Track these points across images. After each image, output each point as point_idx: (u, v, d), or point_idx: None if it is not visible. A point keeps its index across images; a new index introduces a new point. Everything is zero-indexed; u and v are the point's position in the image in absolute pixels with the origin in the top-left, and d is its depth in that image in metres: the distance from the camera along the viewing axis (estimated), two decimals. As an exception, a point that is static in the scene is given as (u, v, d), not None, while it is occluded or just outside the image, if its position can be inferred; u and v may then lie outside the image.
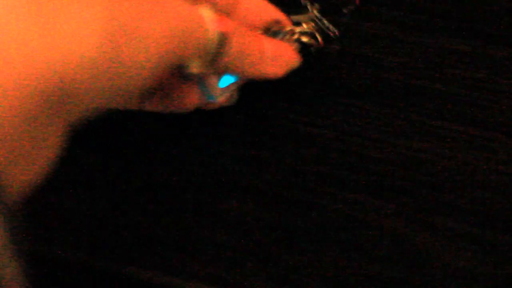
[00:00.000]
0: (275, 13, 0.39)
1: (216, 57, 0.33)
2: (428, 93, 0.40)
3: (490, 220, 0.35)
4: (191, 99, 0.37)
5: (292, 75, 0.38)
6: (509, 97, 0.40)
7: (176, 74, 0.36)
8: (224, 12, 0.35)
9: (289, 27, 0.38)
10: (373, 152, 0.38)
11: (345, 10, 0.41)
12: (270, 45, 0.36)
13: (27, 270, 0.25)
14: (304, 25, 0.39)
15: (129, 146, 0.38)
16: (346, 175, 0.37)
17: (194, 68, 0.32)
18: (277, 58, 0.36)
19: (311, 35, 0.39)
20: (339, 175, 0.37)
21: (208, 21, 0.32)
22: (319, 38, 0.40)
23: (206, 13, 0.32)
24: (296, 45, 0.39)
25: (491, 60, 0.41)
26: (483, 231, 0.34)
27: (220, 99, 0.36)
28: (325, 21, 0.40)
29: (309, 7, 0.40)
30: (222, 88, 0.36)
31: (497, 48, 0.42)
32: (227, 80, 0.36)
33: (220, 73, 0.36)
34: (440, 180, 0.36)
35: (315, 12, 0.40)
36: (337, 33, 0.40)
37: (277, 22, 0.39)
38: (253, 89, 0.39)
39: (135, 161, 0.38)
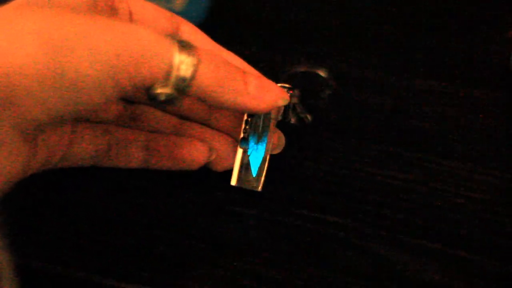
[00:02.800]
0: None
1: (184, 83, 0.32)
2: (404, 127, 0.43)
3: (460, 240, 0.37)
4: (198, 156, 0.38)
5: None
6: (476, 131, 0.42)
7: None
8: None
9: None
10: (355, 181, 0.40)
11: (322, 95, 0.42)
12: (255, 79, 0.35)
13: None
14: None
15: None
16: (330, 202, 0.39)
17: (158, 89, 0.32)
18: (262, 92, 0.35)
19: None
20: (324, 202, 0.39)
21: (173, 47, 0.32)
22: (292, 119, 0.40)
23: (174, 42, 0.32)
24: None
25: (462, 98, 0.44)
26: (454, 250, 0.37)
27: (262, 182, 0.37)
28: (301, 107, 0.40)
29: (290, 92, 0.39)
30: (256, 176, 0.36)
31: (468, 88, 0.45)
32: (255, 166, 0.36)
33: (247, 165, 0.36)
34: (414, 204, 0.39)
35: (294, 97, 0.40)
36: (310, 120, 0.41)
37: None
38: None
39: (132, 182, 0.40)
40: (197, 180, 0.40)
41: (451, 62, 0.46)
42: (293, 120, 0.40)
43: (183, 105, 0.38)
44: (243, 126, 0.37)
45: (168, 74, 0.32)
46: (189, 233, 0.38)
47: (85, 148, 0.38)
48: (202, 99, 0.34)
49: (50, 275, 0.36)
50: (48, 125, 0.32)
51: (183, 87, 0.32)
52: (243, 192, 0.38)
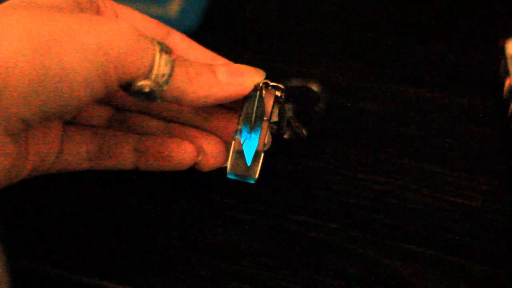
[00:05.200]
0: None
1: (163, 78, 0.33)
2: (395, 135, 0.43)
3: (452, 246, 0.37)
4: (186, 156, 0.38)
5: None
6: (467, 139, 0.43)
7: None
8: None
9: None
10: (348, 187, 0.40)
11: (316, 108, 0.42)
12: (223, 68, 0.36)
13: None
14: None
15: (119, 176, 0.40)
16: (324, 207, 0.39)
17: (141, 82, 0.33)
18: (234, 76, 0.36)
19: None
20: (318, 207, 0.39)
21: (155, 45, 0.33)
22: (286, 134, 0.41)
23: (154, 40, 0.33)
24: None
25: (453, 106, 0.45)
26: (446, 255, 0.37)
27: (257, 172, 0.36)
28: (296, 122, 0.40)
29: (285, 107, 0.39)
30: (251, 165, 0.36)
31: (458, 96, 0.45)
32: (249, 156, 0.36)
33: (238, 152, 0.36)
34: (407, 210, 0.39)
35: (289, 112, 0.40)
36: (305, 134, 0.41)
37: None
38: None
39: (128, 185, 0.40)
40: (193, 184, 0.40)
41: (443, 71, 0.47)
42: (286, 136, 0.41)
43: (171, 108, 0.39)
44: (237, 119, 0.37)
45: (150, 70, 0.33)
46: (185, 237, 0.38)
47: (76, 151, 0.38)
48: (178, 100, 0.35)
49: (46, 277, 0.36)
50: (35, 122, 0.32)
51: (161, 83, 0.33)
52: (242, 196, 0.38)
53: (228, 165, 0.37)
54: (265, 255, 0.37)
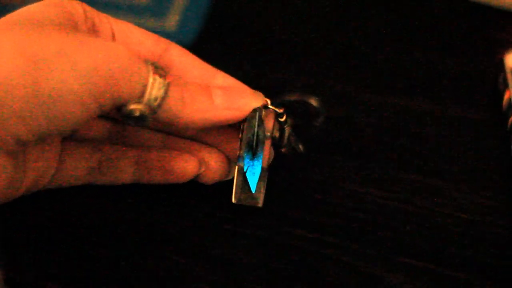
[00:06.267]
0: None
1: (156, 102, 0.33)
2: (396, 148, 0.43)
3: (453, 260, 0.37)
4: (188, 168, 0.38)
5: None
6: (464, 151, 0.43)
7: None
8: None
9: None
10: (347, 201, 0.40)
11: (315, 123, 0.42)
12: (221, 91, 0.36)
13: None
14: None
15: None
16: (322, 221, 0.39)
17: (132, 106, 0.33)
18: (231, 101, 0.35)
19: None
20: (315, 221, 0.39)
21: (148, 68, 0.33)
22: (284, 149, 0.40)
23: (148, 62, 0.33)
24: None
25: (450, 118, 0.45)
26: (447, 269, 0.37)
27: (261, 198, 0.37)
28: (294, 137, 0.40)
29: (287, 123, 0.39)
30: (256, 192, 0.37)
31: (456, 108, 0.45)
32: (253, 182, 0.37)
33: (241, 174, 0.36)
34: (407, 224, 0.39)
35: (287, 127, 0.39)
36: (302, 150, 0.41)
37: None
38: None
39: (124, 197, 0.40)
40: (191, 197, 0.40)
41: (442, 83, 0.47)
42: (284, 149, 0.40)
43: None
44: (238, 143, 0.37)
45: (143, 92, 0.33)
46: (182, 251, 0.38)
47: (76, 166, 0.38)
48: (171, 123, 0.35)
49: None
50: (32, 141, 0.32)
51: (154, 107, 0.33)
52: (240, 210, 0.38)
53: (233, 192, 0.36)
54: (263, 269, 0.37)
